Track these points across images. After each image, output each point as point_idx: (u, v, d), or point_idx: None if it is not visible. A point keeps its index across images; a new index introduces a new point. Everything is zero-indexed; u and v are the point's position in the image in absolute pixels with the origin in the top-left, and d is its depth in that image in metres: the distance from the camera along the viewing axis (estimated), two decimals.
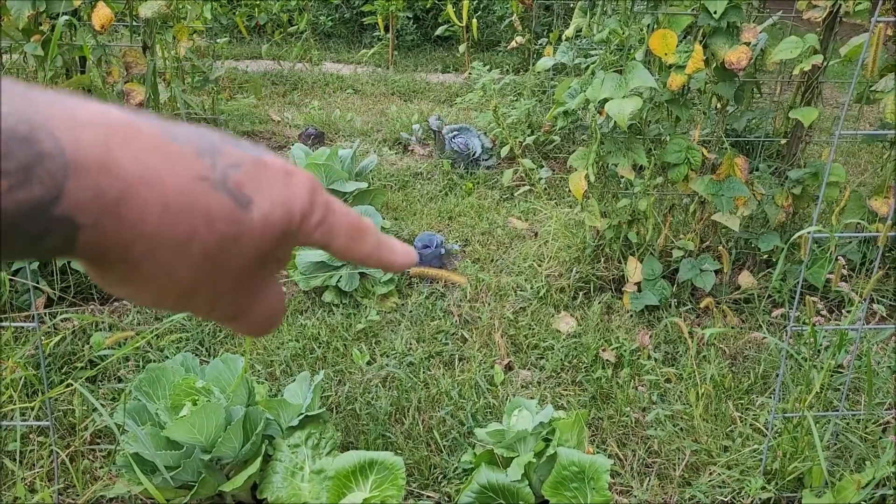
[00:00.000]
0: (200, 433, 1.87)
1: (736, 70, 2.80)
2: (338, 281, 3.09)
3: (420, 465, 2.32)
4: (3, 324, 1.91)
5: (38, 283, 2.76)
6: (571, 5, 5.14)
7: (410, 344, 2.90)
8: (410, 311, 3.08)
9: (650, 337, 2.96)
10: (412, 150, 4.83)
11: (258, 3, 6.55)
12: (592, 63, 3.14)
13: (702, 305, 2.92)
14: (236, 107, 5.05)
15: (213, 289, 0.39)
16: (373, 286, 3.14)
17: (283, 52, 6.50)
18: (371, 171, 3.92)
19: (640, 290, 3.16)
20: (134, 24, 3.16)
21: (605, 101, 2.82)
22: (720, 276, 3.17)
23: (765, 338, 2.83)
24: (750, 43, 2.80)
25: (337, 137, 4.96)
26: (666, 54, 2.82)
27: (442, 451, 2.39)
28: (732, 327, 2.96)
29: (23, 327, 2.49)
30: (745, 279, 3.17)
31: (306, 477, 2.00)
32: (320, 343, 2.86)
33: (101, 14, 2.66)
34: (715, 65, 2.89)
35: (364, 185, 3.45)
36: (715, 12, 2.74)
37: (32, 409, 1.93)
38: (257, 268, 0.40)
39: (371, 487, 1.96)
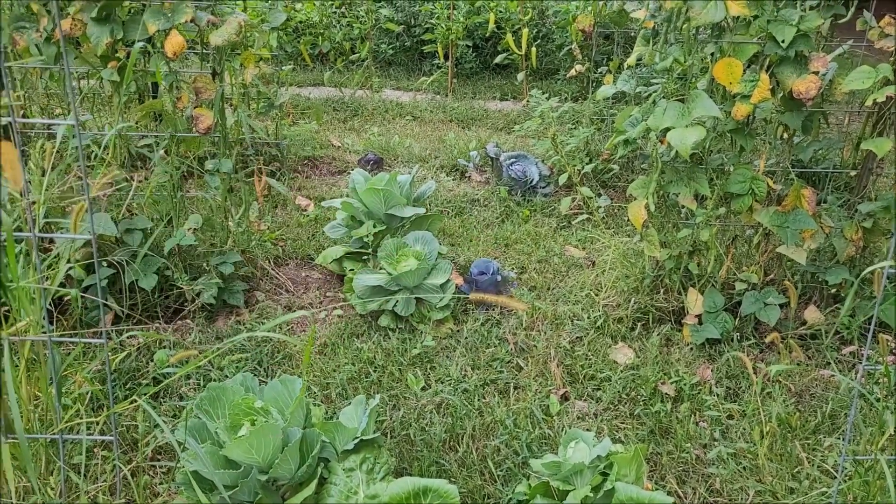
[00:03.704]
0: (258, 454, 1.89)
1: (805, 100, 2.73)
2: (394, 305, 3.10)
3: (474, 495, 2.30)
4: (73, 339, 1.98)
5: (106, 300, 2.85)
6: (632, 34, 5.12)
7: (465, 371, 2.88)
8: (466, 338, 3.07)
9: (712, 371, 2.89)
10: (469, 177, 4.85)
11: (322, 31, 6.70)
12: (654, 92, 3.11)
13: (768, 340, 2.84)
14: (298, 132, 5.15)
15: None
16: (429, 312, 3.15)
17: (345, 79, 6.63)
18: (429, 197, 3.94)
19: (700, 323, 3.09)
20: (204, 51, 3.27)
21: (667, 130, 2.78)
22: (785, 311, 3.08)
23: (833, 375, 2.72)
24: (819, 72, 2.74)
25: (395, 163, 5.01)
26: (731, 83, 2.78)
27: (496, 481, 2.36)
28: (798, 363, 2.86)
29: (91, 343, 2.57)
30: (812, 314, 3.07)
31: (360, 502, 2.00)
32: (376, 367, 2.87)
33: (174, 41, 2.76)
34: (782, 94, 2.83)
35: (422, 210, 3.47)
36: (783, 41, 2.69)
37: (98, 423, 1.99)
38: None
39: None
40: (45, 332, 1.80)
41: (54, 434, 1.82)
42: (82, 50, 2.93)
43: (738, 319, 3.06)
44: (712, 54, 2.95)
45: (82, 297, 2.66)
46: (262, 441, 1.87)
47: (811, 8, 2.76)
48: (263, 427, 1.89)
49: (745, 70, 2.79)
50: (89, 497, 1.82)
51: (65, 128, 2.47)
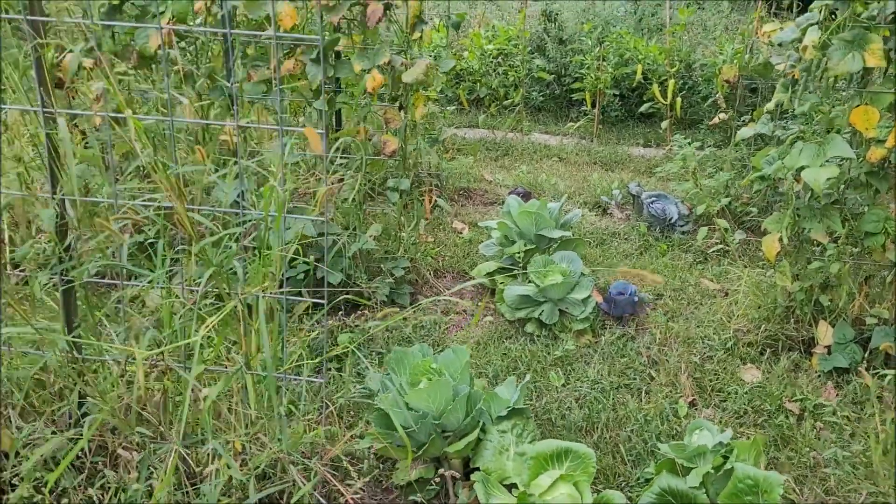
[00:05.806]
0: (433, 403, 2.33)
1: None
2: (540, 314, 3.50)
3: (606, 472, 2.63)
4: (301, 299, 2.50)
5: (300, 293, 3.45)
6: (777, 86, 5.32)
7: (601, 374, 3.22)
8: (602, 348, 3.41)
9: (837, 395, 3.07)
10: (611, 213, 5.20)
11: (479, 78, 7.33)
12: (791, 134, 3.38)
13: (881, 348, 2.99)
14: (456, 166, 5.71)
15: None
16: (570, 323, 3.52)
17: (497, 122, 7.19)
18: (574, 225, 4.33)
19: (829, 353, 3.27)
20: (382, 92, 3.86)
21: (802, 168, 3.05)
22: None
23: None
24: None
25: (542, 197, 5.43)
26: (867, 129, 3.01)
27: (626, 464, 2.68)
28: None
29: (302, 318, 3.14)
30: None
31: (511, 457, 2.40)
32: (522, 363, 3.27)
33: (375, 79, 3.35)
34: None
35: (569, 233, 3.88)
36: None
37: (310, 366, 2.50)
38: None
39: (565, 471, 2.31)
40: (279, 292, 2.35)
41: (281, 374, 2.35)
42: (299, 85, 3.58)
43: (867, 352, 3.22)
44: (852, 103, 3.19)
45: (290, 290, 3.25)
46: (436, 393, 2.32)
47: None
48: (437, 382, 2.34)
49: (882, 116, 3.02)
50: (303, 423, 2.33)
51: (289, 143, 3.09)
